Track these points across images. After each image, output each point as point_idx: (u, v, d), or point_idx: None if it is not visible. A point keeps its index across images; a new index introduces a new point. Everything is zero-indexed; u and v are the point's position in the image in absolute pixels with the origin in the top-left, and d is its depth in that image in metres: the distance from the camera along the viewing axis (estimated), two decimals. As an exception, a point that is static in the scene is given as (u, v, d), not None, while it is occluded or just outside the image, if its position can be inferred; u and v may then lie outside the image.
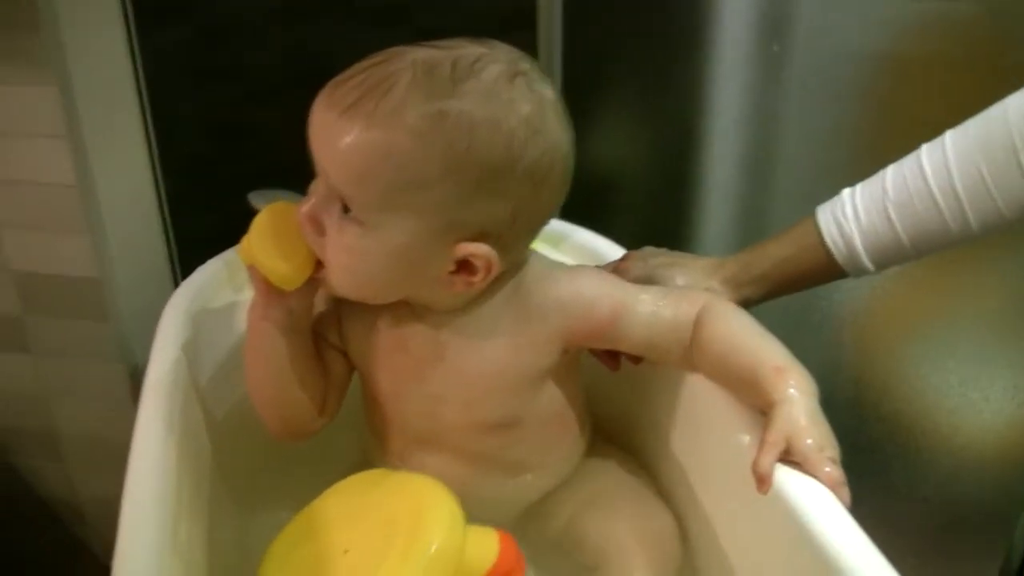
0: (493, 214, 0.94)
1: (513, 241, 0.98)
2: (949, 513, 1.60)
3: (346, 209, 0.93)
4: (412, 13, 1.54)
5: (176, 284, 1.27)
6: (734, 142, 1.61)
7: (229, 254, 1.27)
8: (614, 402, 1.21)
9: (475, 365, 1.04)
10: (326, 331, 1.11)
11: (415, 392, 1.07)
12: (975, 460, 1.61)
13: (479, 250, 0.94)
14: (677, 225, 1.68)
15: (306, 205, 0.95)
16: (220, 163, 1.58)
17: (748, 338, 1.01)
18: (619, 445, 1.22)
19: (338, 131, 0.90)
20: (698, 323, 1.02)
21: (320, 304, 1.11)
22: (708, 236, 1.68)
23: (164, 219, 1.45)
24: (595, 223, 1.06)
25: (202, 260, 1.23)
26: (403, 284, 0.99)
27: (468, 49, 0.93)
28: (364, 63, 0.92)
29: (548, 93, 0.95)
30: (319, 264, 0.99)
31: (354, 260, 0.96)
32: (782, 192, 1.63)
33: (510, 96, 0.92)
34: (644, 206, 1.63)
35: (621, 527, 1.10)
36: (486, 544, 0.95)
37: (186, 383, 1.09)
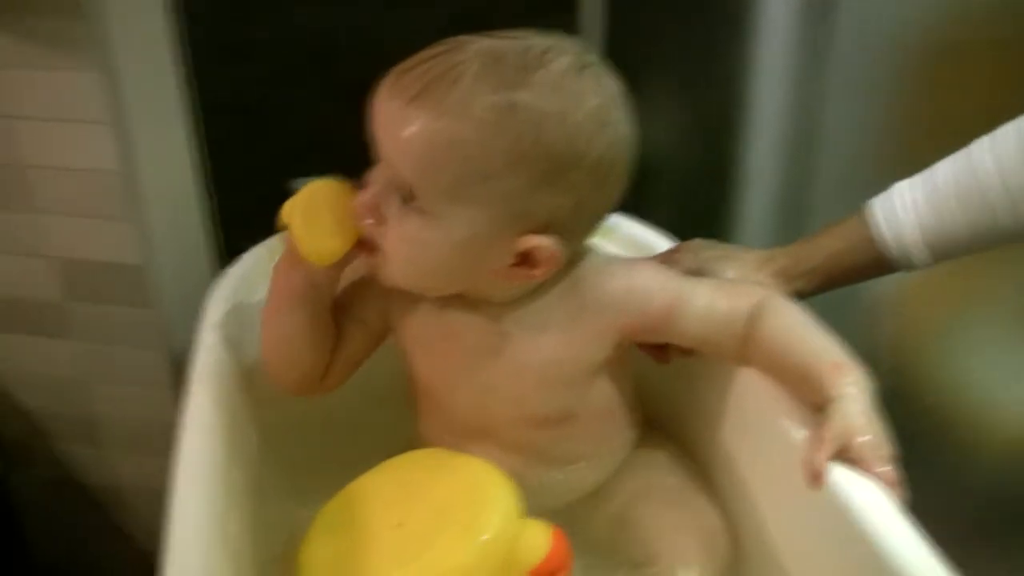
0: (557, 207, 0.93)
1: (575, 233, 0.98)
2: (995, 506, 1.59)
3: (408, 198, 0.93)
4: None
5: (218, 271, 1.26)
6: (777, 130, 1.59)
7: (272, 241, 1.27)
8: (663, 395, 1.20)
9: (528, 358, 1.04)
10: (362, 308, 1.11)
11: (465, 383, 1.06)
12: (1021, 452, 1.60)
13: (543, 243, 0.93)
14: (718, 214, 1.66)
15: (366, 193, 0.95)
16: (262, 146, 1.58)
17: (805, 333, 1.00)
18: (668, 438, 1.20)
19: (404, 121, 0.89)
20: (754, 317, 1.01)
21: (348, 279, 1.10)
22: (750, 226, 1.66)
23: (206, 205, 1.44)
24: (635, 211, 1.05)
25: (245, 246, 1.23)
26: (463, 276, 0.98)
27: (535, 40, 0.92)
28: (428, 52, 0.91)
29: (614, 86, 0.94)
30: (363, 249, 0.99)
31: (415, 251, 0.95)
32: (825, 182, 1.61)
33: (578, 89, 0.91)
34: (685, 194, 1.62)
35: (670, 522, 1.09)
36: (538, 538, 0.95)
37: (232, 372, 1.10)
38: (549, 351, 1.04)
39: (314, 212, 0.99)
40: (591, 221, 0.99)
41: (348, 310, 1.12)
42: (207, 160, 1.42)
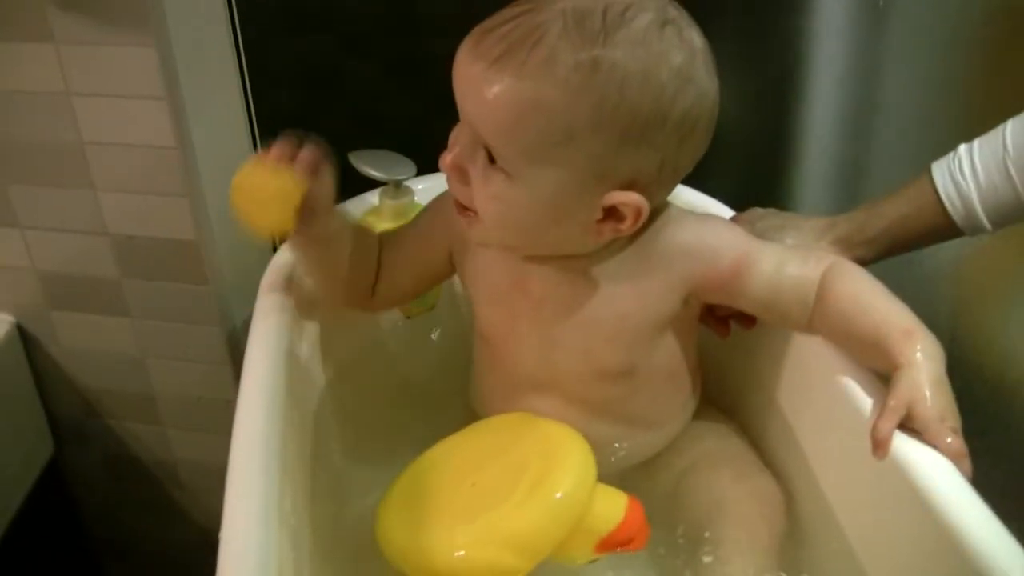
0: (641, 164, 0.93)
1: (659, 188, 0.97)
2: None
3: (491, 158, 0.93)
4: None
5: (274, 246, 1.26)
6: (837, 97, 1.58)
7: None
8: (721, 368, 1.20)
9: (599, 311, 1.04)
10: (424, 247, 1.15)
11: (532, 334, 1.07)
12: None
13: (629, 199, 0.93)
14: (777, 182, 1.65)
15: (449, 155, 0.96)
16: (316, 119, 1.58)
17: (876, 299, 0.99)
18: (727, 409, 1.21)
19: (487, 83, 0.89)
20: (825, 281, 1.00)
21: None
22: (809, 193, 1.65)
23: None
24: (693, 179, 1.04)
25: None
26: (552, 233, 0.98)
27: None
28: (510, 11, 0.91)
29: (698, 41, 0.93)
30: (463, 210, 0.99)
31: (502, 209, 0.95)
32: (885, 149, 1.60)
33: (661, 47, 0.90)
34: (743, 162, 1.61)
35: (728, 492, 1.09)
36: (613, 505, 0.95)
37: (288, 348, 1.09)
38: (620, 304, 1.04)
39: (243, 201, 1.01)
40: (675, 176, 0.99)
41: (409, 246, 1.14)
42: (263, 133, 1.41)
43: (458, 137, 0.96)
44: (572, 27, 0.88)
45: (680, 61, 0.91)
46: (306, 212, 1.02)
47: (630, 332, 1.05)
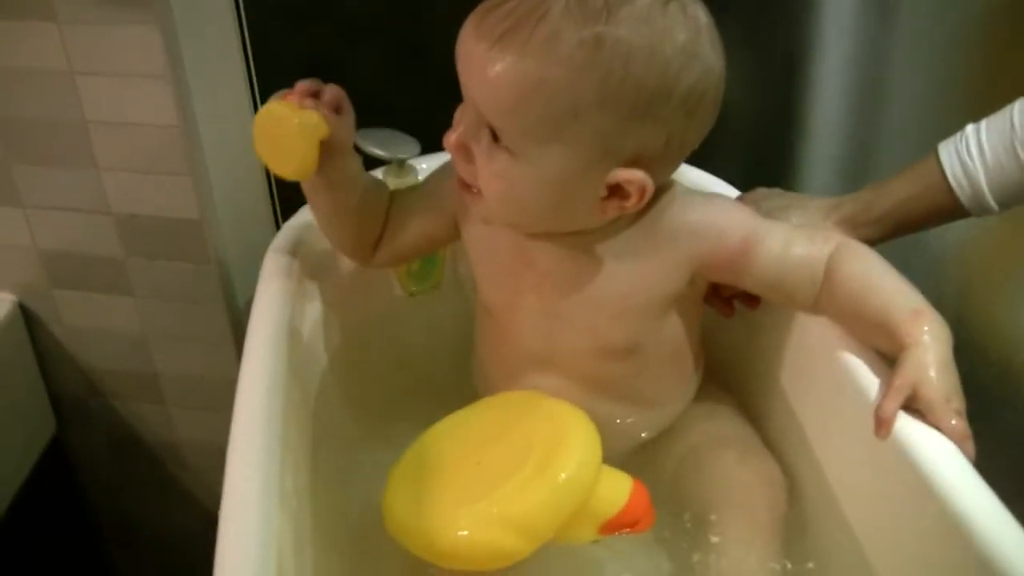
0: (647, 141, 0.92)
1: (664, 166, 0.97)
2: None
3: (495, 137, 0.93)
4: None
5: (277, 225, 1.26)
6: (844, 79, 1.57)
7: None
8: (725, 346, 1.20)
9: (604, 287, 1.04)
10: (429, 216, 1.15)
11: (536, 309, 1.07)
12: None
13: (634, 176, 0.93)
14: (783, 163, 1.65)
15: (453, 133, 0.96)
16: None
17: (884, 279, 0.98)
18: (729, 390, 1.21)
19: (490, 62, 0.89)
20: (833, 261, 1.00)
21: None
22: (815, 175, 1.65)
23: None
24: (698, 158, 1.04)
25: (303, 200, 1.23)
26: (557, 211, 0.98)
27: None
28: None
29: (703, 17, 0.93)
30: (466, 187, 1.00)
31: (507, 187, 0.95)
32: (892, 129, 1.60)
33: (665, 23, 0.89)
34: (750, 143, 1.60)
35: (724, 477, 1.09)
36: (618, 488, 0.95)
37: (290, 327, 1.09)
38: (625, 281, 1.04)
39: (266, 142, 1.02)
40: (680, 153, 0.99)
41: (417, 206, 1.15)
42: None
43: (462, 116, 0.96)
44: (575, 5, 0.87)
45: (685, 37, 0.90)
46: (327, 151, 1.02)
47: (635, 310, 1.05)
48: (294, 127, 0.99)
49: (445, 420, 1.05)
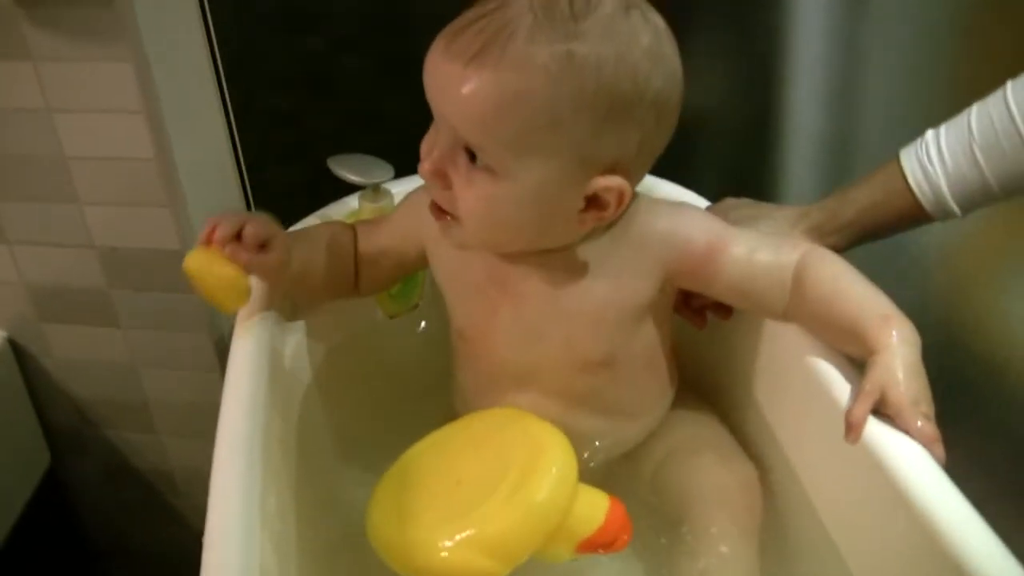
0: (623, 146, 0.94)
1: (637, 171, 0.99)
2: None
3: (473, 158, 0.94)
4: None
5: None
6: (817, 83, 1.58)
7: (309, 220, 1.28)
8: (699, 355, 1.21)
9: (578, 300, 1.05)
10: (399, 243, 1.16)
11: (509, 328, 1.08)
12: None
13: (613, 182, 0.95)
14: (759, 168, 1.66)
15: (427, 161, 0.97)
16: (298, 129, 1.59)
17: (854, 285, 1.00)
18: (703, 397, 1.22)
19: (465, 81, 0.90)
20: (802, 267, 1.02)
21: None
22: (791, 179, 1.66)
23: (244, 187, 1.46)
24: (675, 165, 1.05)
25: (292, 220, 1.25)
26: (537, 228, 0.99)
27: None
28: (477, 10, 0.92)
29: (660, 22, 0.95)
30: (441, 214, 1.00)
31: (489, 208, 0.96)
32: (866, 135, 1.61)
33: (629, 29, 0.92)
34: (723, 150, 1.62)
35: (702, 480, 1.10)
36: (594, 507, 0.95)
37: (272, 350, 1.10)
38: (600, 293, 1.05)
39: (195, 284, 1.03)
40: (651, 158, 1.01)
41: (384, 241, 1.17)
42: (255, 136, 1.43)
43: (434, 143, 0.97)
44: (543, 18, 0.89)
45: (648, 41, 0.93)
46: (263, 277, 1.08)
47: (609, 321, 1.06)
48: (212, 282, 1.03)
49: (429, 437, 1.06)
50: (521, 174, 0.93)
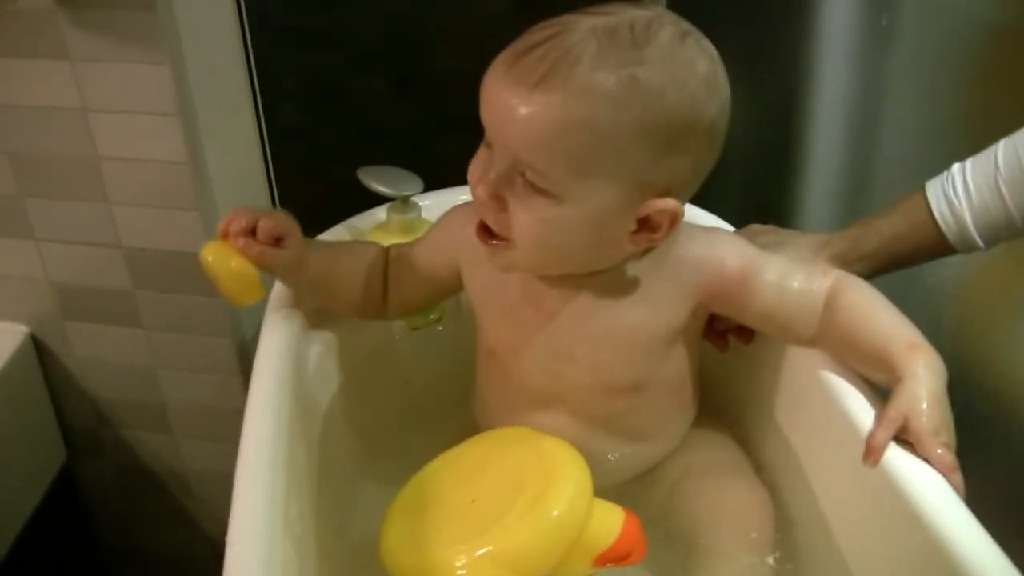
0: (678, 171, 0.95)
1: (687, 194, 1.00)
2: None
3: (532, 181, 0.94)
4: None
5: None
6: (840, 115, 1.59)
7: (334, 231, 1.29)
8: (718, 377, 1.21)
9: (613, 323, 1.05)
10: (431, 263, 1.16)
11: (541, 349, 1.08)
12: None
13: (667, 205, 0.95)
14: (780, 198, 1.66)
15: (484, 185, 0.96)
16: (328, 137, 1.59)
17: (883, 312, 1.01)
18: (720, 418, 1.22)
19: (531, 105, 0.90)
20: (833, 292, 1.03)
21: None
22: (811, 210, 1.66)
23: (272, 194, 1.47)
24: (698, 194, 1.06)
25: (311, 235, 1.25)
26: (590, 251, 1.00)
27: (634, 13, 0.94)
28: (536, 35, 0.93)
29: (713, 50, 0.96)
30: (489, 237, 1.00)
31: (548, 231, 0.96)
32: (887, 167, 1.61)
33: (687, 56, 0.93)
34: (746, 178, 1.62)
35: (716, 502, 1.11)
36: (610, 521, 0.96)
37: (296, 359, 1.11)
38: (634, 316, 1.05)
39: (211, 276, 1.05)
40: (700, 181, 1.01)
41: (418, 262, 1.16)
42: (272, 148, 1.44)
43: (488, 165, 0.96)
44: (606, 44, 0.90)
45: (705, 68, 0.94)
46: (278, 274, 1.10)
47: (641, 346, 1.07)
48: (224, 275, 1.05)
49: (439, 458, 1.06)
50: (582, 197, 0.94)
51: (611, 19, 0.92)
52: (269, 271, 1.08)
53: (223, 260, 1.04)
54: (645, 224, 0.97)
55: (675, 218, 0.97)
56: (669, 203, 0.95)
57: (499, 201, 0.96)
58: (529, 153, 0.92)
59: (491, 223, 0.99)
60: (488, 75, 0.94)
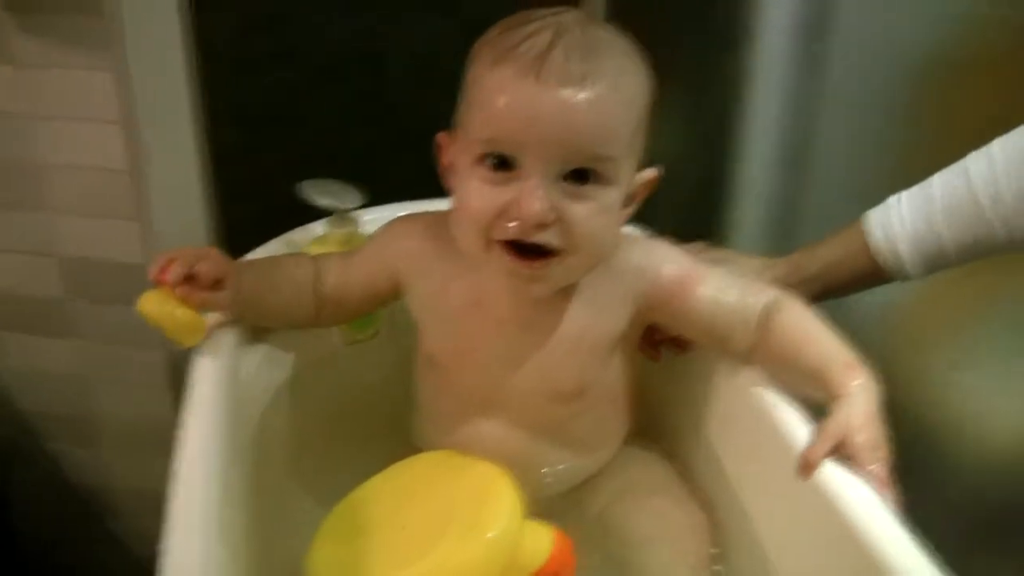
0: (645, 139, 1.01)
1: None
2: (978, 518, 1.60)
3: (583, 178, 0.95)
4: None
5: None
6: (773, 141, 1.61)
7: (272, 245, 1.29)
8: (652, 392, 1.23)
9: (561, 328, 1.07)
10: (370, 273, 1.16)
11: (485, 354, 1.09)
12: (1004, 464, 1.61)
13: (651, 175, 1.04)
14: (713, 225, 1.68)
15: (539, 201, 0.93)
16: (268, 152, 1.59)
17: (820, 332, 1.03)
18: (655, 436, 1.24)
19: (590, 99, 0.92)
20: (771, 310, 1.05)
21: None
22: (744, 237, 1.68)
23: (212, 207, 1.46)
24: (633, 218, 1.08)
25: (248, 250, 1.25)
26: (618, 233, 1.05)
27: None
28: (523, 35, 0.95)
29: None
30: (536, 259, 0.98)
31: (604, 220, 0.99)
32: (819, 193, 1.64)
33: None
34: (680, 204, 1.64)
35: (648, 520, 1.13)
36: (541, 540, 0.96)
37: (232, 372, 1.10)
38: (580, 321, 1.07)
39: (161, 328, 1.06)
40: None
41: (355, 273, 1.17)
42: (214, 162, 1.43)
43: (529, 182, 0.94)
44: (610, 33, 0.98)
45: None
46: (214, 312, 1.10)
47: (585, 351, 1.08)
48: (170, 325, 1.06)
49: (367, 483, 1.06)
50: (623, 178, 0.98)
51: (571, 16, 0.97)
52: (209, 311, 1.09)
53: (168, 311, 1.05)
54: (631, 199, 1.02)
55: (654, 183, 1.03)
56: (651, 172, 1.01)
57: (554, 211, 0.95)
58: (603, 146, 0.94)
59: (546, 239, 0.96)
60: (513, 94, 0.93)
